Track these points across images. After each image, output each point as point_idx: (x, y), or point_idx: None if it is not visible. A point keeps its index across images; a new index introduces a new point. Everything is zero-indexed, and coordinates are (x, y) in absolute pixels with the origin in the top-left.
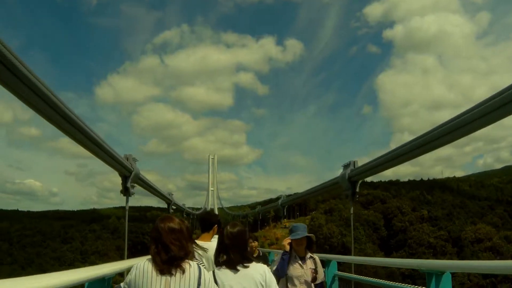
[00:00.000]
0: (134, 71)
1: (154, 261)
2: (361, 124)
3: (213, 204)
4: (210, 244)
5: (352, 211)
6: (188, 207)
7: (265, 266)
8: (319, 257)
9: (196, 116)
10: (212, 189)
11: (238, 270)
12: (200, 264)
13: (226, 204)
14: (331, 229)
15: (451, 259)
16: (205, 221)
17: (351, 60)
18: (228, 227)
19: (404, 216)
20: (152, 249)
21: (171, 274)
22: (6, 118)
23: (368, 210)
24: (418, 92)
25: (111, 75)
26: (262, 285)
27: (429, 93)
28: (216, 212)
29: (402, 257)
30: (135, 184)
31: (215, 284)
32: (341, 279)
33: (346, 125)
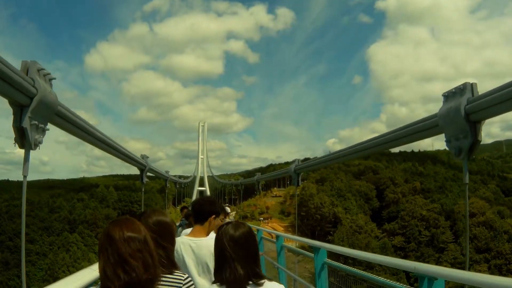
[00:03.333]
0: (123, 39)
1: None
2: (351, 95)
3: (203, 172)
4: (203, 241)
5: (296, 198)
6: (178, 175)
7: (282, 286)
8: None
9: (186, 84)
10: (202, 157)
11: None
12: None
13: (215, 173)
14: (322, 199)
15: (444, 233)
16: (197, 209)
17: (343, 30)
18: (229, 229)
19: (396, 187)
20: (101, 269)
21: None
22: None
23: (360, 180)
24: (409, 64)
25: (100, 43)
26: None
27: (420, 65)
28: (206, 181)
29: (394, 229)
30: (148, 173)
31: None
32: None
33: (336, 96)
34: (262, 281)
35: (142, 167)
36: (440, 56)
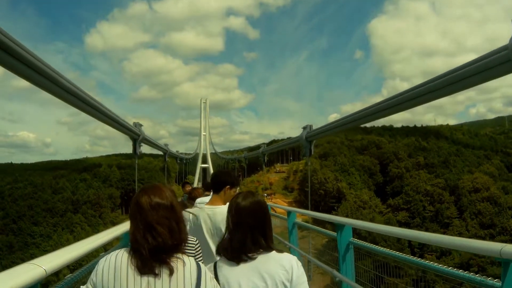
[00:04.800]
0: (123, 18)
1: (135, 252)
2: (353, 70)
3: (206, 149)
4: (218, 209)
5: (309, 164)
6: (181, 153)
7: (294, 257)
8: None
9: (187, 61)
10: (204, 134)
11: (249, 262)
12: (198, 258)
13: (218, 150)
14: (326, 174)
15: (448, 208)
16: (214, 180)
17: (344, 4)
18: (238, 199)
19: (400, 162)
20: (131, 233)
21: (155, 275)
22: None
23: (364, 155)
24: (410, 39)
25: (100, 23)
26: (286, 286)
27: (421, 40)
28: (209, 158)
29: (398, 204)
30: (142, 144)
31: None
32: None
33: (338, 71)
34: (269, 253)
35: (135, 136)
36: (441, 31)
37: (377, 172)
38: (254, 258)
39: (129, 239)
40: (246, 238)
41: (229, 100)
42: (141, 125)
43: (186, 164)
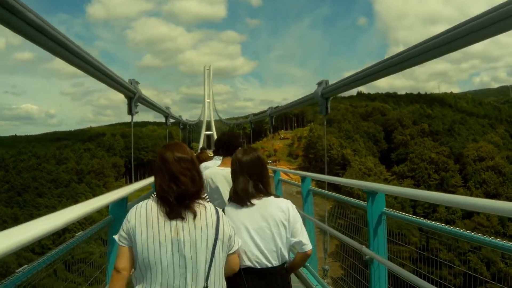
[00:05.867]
0: None
1: (163, 200)
2: (356, 36)
3: (210, 117)
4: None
5: (325, 123)
6: (185, 119)
7: (288, 201)
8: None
9: (189, 28)
10: (208, 101)
11: (251, 206)
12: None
13: (222, 117)
14: (330, 141)
15: (453, 176)
16: (226, 143)
17: None
18: (238, 153)
19: (404, 129)
20: (158, 184)
21: (182, 219)
22: None
23: (368, 121)
24: (414, 5)
25: None
26: (284, 225)
27: (425, 7)
28: (213, 125)
29: (403, 172)
30: (138, 104)
31: (238, 239)
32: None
33: (341, 37)
34: (268, 197)
35: (131, 95)
36: None
37: (381, 139)
38: (255, 203)
39: (156, 189)
40: (247, 185)
41: (232, 67)
42: (137, 83)
43: (190, 131)
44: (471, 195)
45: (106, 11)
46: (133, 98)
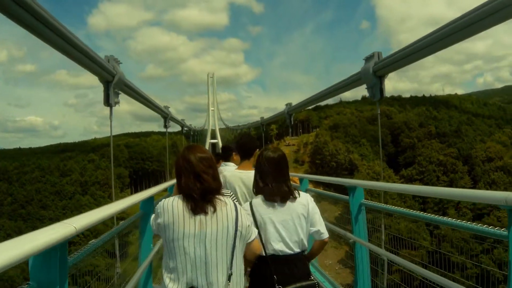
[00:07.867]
0: None
1: (188, 197)
2: (359, 41)
3: (214, 125)
4: (251, 173)
5: (379, 111)
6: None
7: (307, 195)
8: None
9: (191, 37)
10: (213, 109)
11: (279, 202)
12: (233, 199)
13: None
14: (337, 146)
15: (462, 178)
16: (245, 146)
17: None
18: (268, 152)
19: (411, 132)
20: (183, 182)
21: (205, 213)
22: (1, 57)
23: (374, 125)
24: (416, 8)
25: (102, 3)
26: (305, 217)
27: (427, 10)
28: (218, 133)
29: (411, 175)
30: (120, 92)
31: (255, 229)
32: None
33: (344, 42)
34: (296, 194)
35: (109, 78)
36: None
37: (388, 143)
38: (286, 203)
39: (180, 188)
40: (281, 184)
41: (236, 75)
42: (119, 62)
43: (195, 140)
44: None
45: (107, 21)
46: (111, 82)
